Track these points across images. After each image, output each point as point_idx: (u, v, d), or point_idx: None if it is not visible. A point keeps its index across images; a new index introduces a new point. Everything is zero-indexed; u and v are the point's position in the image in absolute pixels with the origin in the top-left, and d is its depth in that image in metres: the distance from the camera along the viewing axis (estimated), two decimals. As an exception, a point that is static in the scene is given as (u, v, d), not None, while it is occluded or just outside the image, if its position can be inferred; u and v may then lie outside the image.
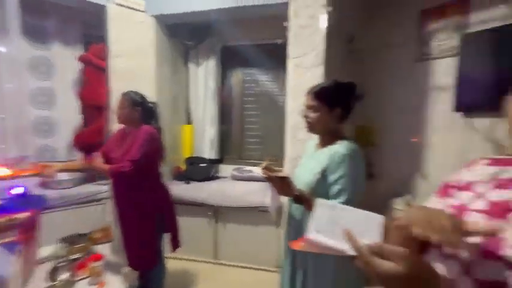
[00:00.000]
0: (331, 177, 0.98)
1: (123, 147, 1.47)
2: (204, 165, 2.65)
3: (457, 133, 1.74)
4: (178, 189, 2.33)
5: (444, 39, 1.76)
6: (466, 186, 0.53)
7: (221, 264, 2.29)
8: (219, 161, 2.91)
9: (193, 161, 2.70)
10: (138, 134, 1.44)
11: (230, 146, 2.99)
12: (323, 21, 1.67)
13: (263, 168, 1.03)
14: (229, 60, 2.87)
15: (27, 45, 2.28)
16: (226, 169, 2.85)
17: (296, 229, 1.11)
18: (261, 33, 2.59)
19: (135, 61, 2.22)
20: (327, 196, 1.00)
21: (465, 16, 1.67)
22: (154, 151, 1.48)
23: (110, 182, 1.61)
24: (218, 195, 2.27)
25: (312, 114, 1.05)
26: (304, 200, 0.97)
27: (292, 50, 1.95)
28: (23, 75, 2.03)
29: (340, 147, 0.99)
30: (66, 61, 2.45)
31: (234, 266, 2.26)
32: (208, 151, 2.83)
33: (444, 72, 1.78)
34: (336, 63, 1.79)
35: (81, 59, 2.40)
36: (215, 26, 2.65)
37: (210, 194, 2.28)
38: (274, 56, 2.63)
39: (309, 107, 1.06)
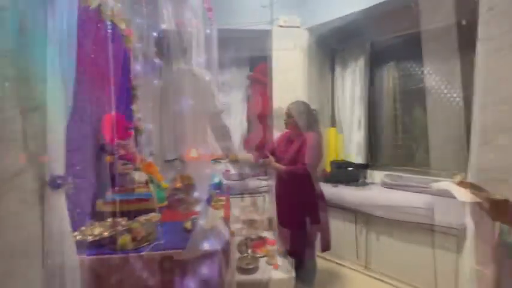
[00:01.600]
0: None
1: (290, 150, 1.69)
2: (351, 169, 2.58)
3: None
4: (326, 192, 2.38)
5: None
6: None
7: (371, 276, 2.13)
8: (365, 166, 2.74)
9: (339, 165, 2.68)
10: (307, 140, 1.62)
11: (380, 151, 2.75)
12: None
13: (458, 185, 0.87)
14: (379, 56, 2.65)
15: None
16: (374, 175, 2.64)
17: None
18: (413, 22, 2.20)
19: (292, 73, 2.50)
20: None
21: None
22: (319, 155, 1.63)
23: (273, 179, 1.89)
24: (369, 202, 2.14)
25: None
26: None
27: (484, 31, 1.53)
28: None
29: None
30: (236, 81, 3.11)
31: (385, 281, 2.05)
32: (355, 155, 2.73)
33: None
34: None
35: (250, 77, 2.97)
36: (362, 26, 2.53)
37: (360, 200, 2.19)
38: (441, 43, 2.16)
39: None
